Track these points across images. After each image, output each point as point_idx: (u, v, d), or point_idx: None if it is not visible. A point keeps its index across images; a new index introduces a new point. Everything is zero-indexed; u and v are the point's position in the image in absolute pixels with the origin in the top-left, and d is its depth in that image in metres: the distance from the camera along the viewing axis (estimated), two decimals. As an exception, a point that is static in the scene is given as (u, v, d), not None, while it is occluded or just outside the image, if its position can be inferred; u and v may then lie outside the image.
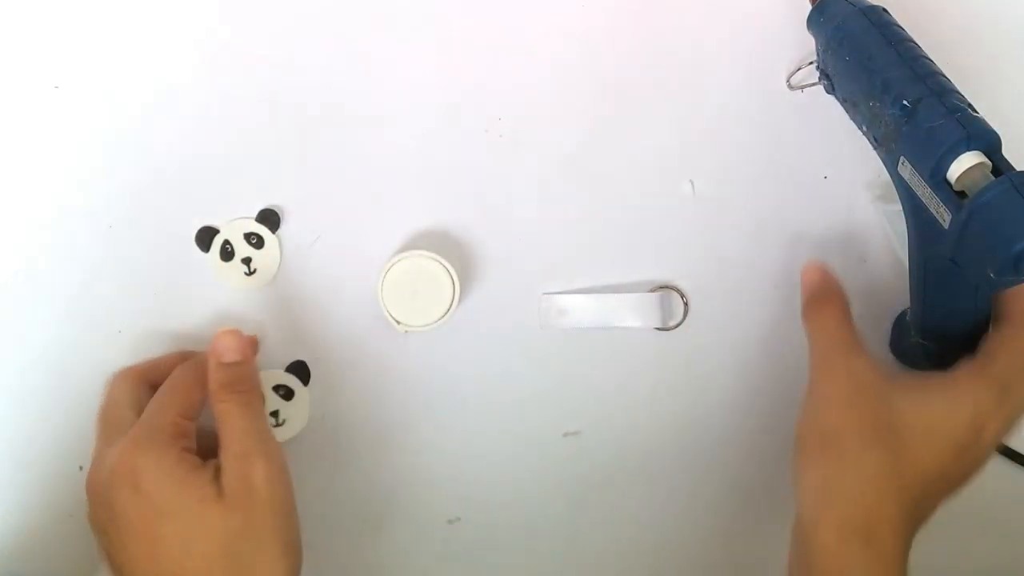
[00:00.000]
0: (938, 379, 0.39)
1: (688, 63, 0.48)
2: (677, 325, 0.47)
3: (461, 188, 0.47)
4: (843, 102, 0.43)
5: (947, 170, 0.36)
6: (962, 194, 0.36)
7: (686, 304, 0.47)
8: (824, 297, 0.42)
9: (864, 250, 0.47)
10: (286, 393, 0.45)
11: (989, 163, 0.36)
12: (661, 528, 0.47)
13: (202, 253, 0.46)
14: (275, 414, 0.45)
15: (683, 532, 0.47)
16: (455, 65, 0.47)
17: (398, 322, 0.44)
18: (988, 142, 0.36)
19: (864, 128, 0.42)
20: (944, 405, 0.37)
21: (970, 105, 0.37)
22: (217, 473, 0.38)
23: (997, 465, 0.46)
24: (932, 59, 0.39)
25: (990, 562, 0.47)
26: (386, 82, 0.47)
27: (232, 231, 0.46)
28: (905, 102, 0.38)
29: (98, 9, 0.47)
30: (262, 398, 0.41)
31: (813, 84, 0.46)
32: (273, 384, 0.45)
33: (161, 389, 0.41)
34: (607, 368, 0.47)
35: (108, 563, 0.39)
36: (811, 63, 0.45)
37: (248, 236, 0.46)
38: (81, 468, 0.45)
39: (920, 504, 0.38)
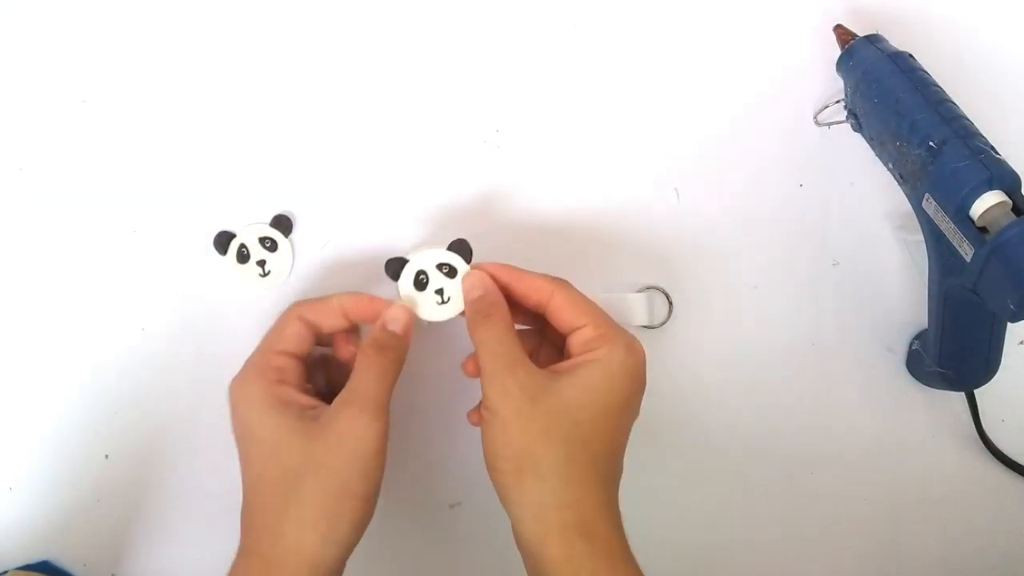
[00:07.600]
0: (587, 356, 0.39)
1: (671, 81, 0.49)
2: (662, 323, 0.48)
3: (460, 195, 0.48)
4: (870, 140, 0.44)
5: (971, 208, 0.37)
6: (984, 230, 0.37)
7: (670, 304, 0.48)
8: (484, 312, 0.41)
9: (838, 253, 0.48)
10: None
11: (1010, 202, 0.37)
12: (647, 513, 0.47)
13: (220, 256, 0.47)
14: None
15: (668, 518, 0.48)
16: (455, 82, 0.48)
17: (419, 317, 0.44)
18: (1010, 183, 0.37)
19: (890, 165, 0.43)
20: (599, 374, 0.39)
21: (993, 147, 0.38)
22: (313, 411, 0.40)
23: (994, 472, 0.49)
24: (956, 103, 0.40)
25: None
26: (391, 98, 0.48)
27: (248, 235, 0.47)
28: (931, 143, 0.38)
29: (121, 30, 0.48)
30: (397, 373, 0.41)
31: (840, 122, 0.47)
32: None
33: (271, 328, 0.43)
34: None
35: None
36: (837, 101, 0.46)
37: (263, 240, 0.47)
38: (107, 456, 0.47)
39: (606, 477, 0.39)
